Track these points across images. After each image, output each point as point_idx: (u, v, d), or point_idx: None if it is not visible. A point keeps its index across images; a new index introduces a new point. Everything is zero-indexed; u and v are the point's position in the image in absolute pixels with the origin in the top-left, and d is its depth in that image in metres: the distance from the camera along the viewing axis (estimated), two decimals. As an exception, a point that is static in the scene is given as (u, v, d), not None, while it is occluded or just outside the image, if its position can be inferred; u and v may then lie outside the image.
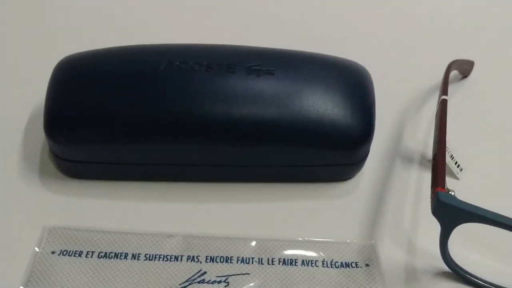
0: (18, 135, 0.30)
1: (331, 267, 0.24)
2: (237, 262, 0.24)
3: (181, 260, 0.24)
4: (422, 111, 0.33)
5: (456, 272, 0.24)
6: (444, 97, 0.28)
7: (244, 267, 0.24)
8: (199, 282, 0.24)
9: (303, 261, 0.25)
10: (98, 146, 0.26)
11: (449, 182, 0.28)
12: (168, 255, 0.25)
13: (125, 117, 0.26)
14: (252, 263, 0.24)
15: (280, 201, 0.28)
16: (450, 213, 0.21)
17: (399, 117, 0.33)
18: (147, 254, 0.25)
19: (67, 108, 0.27)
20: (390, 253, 0.25)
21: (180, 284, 0.23)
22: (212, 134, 0.26)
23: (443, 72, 0.32)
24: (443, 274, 0.24)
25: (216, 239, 0.25)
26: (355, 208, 0.27)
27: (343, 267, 0.24)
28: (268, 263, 0.24)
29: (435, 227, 0.24)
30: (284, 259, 0.25)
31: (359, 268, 0.24)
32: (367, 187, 0.28)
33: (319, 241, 0.25)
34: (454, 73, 0.35)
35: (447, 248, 0.23)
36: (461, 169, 0.29)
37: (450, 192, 0.22)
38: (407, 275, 0.25)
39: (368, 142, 0.27)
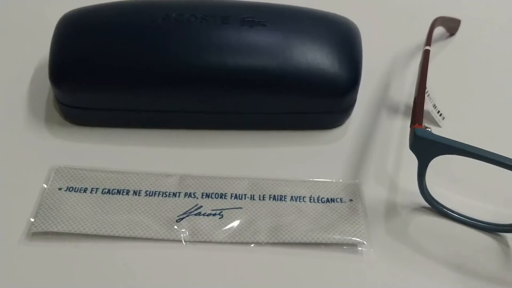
0: (25, 85, 0.32)
1: (318, 202, 0.26)
2: (231, 198, 0.26)
3: (178, 196, 0.26)
4: (408, 66, 0.35)
5: (432, 205, 0.26)
6: (427, 47, 0.29)
7: (237, 202, 0.26)
8: (195, 215, 0.26)
9: (291, 197, 0.27)
10: (99, 93, 0.28)
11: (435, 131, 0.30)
12: (166, 192, 0.27)
13: (126, 66, 0.28)
14: (245, 199, 0.26)
15: (272, 147, 0.29)
16: (426, 146, 0.23)
17: (385, 71, 0.34)
18: (147, 190, 0.27)
19: (71, 57, 0.28)
20: (373, 191, 0.27)
21: (178, 216, 0.25)
22: (208, 82, 0.28)
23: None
24: (421, 209, 0.26)
25: (211, 178, 0.27)
26: (342, 153, 0.29)
27: (329, 202, 0.26)
28: (259, 199, 0.26)
29: (415, 168, 0.26)
30: (274, 195, 0.27)
31: (344, 203, 0.26)
32: (354, 134, 0.30)
33: (307, 181, 0.27)
34: (441, 30, 0.37)
35: (424, 183, 0.25)
36: (443, 118, 0.31)
37: (427, 129, 0.24)
38: (388, 210, 0.26)
39: (355, 91, 0.29)
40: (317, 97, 0.29)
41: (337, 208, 0.26)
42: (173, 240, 0.25)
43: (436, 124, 0.31)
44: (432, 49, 0.31)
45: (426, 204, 0.26)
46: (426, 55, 0.29)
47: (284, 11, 0.30)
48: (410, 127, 0.24)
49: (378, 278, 0.24)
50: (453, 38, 0.37)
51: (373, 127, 0.31)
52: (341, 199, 0.27)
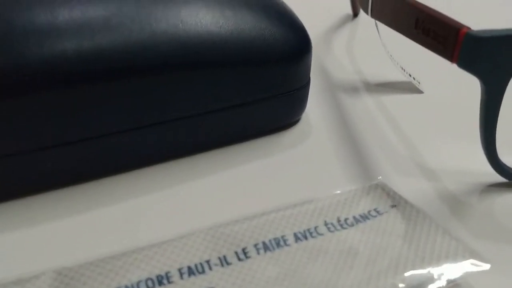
0: None
1: (343, 228, 0.14)
2: (181, 277, 0.12)
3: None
4: (336, 46, 0.26)
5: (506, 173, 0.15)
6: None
7: (197, 282, 0.12)
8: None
9: (294, 234, 0.14)
10: None
11: (420, 98, 0.21)
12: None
13: None
14: (211, 269, 0.13)
15: (214, 174, 0.16)
16: (498, 53, 0.13)
17: (316, 56, 0.25)
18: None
19: None
20: (408, 188, 0.16)
21: None
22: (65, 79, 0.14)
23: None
24: (494, 188, 0.16)
25: (121, 257, 0.13)
26: (325, 153, 0.18)
27: (360, 221, 0.14)
28: (239, 259, 0.13)
29: (442, 145, 0.17)
30: (263, 242, 0.13)
31: (385, 214, 0.14)
32: (324, 125, 0.19)
33: (303, 203, 0.15)
34: (347, 14, 0.30)
35: (495, 138, 0.15)
36: (419, 82, 0.22)
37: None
38: (450, 205, 0.15)
39: (309, 52, 0.18)
40: (268, 67, 0.17)
41: (382, 226, 0.14)
42: None
43: (418, 91, 0.22)
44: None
45: (495, 179, 0.16)
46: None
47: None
48: (447, 41, 0.14)
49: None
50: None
51: (341, 111, 0.20)
52: (376, 210, 0.15)
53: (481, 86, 0.14)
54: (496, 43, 0.13)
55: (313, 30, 0.27)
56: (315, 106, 0.20)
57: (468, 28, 0.14)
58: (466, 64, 0.14)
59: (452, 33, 0.14)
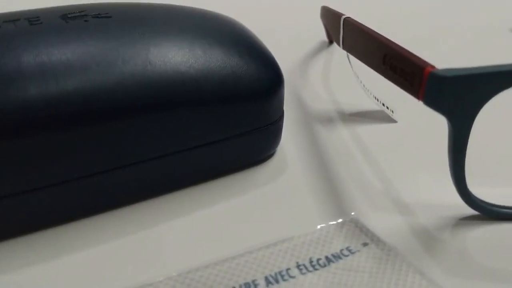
0: None
1: (315, 269, 0.14)
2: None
3: None
4: (311, 74, 0.26)
5: (483, 210, 0.15)
6: (343, 17, 0.21)
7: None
8: None
9: (266, 278, 0.13)
10: None
11: (394, 128, 0.21)
12: None
13: None
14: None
15: (190, 213, 0.16)
16: (467, 89, 0.13)
17: (291, 85, 0.25)
18: None
19: None
20: (381, 224, 0.16)
21: None
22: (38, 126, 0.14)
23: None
24: (466, 222, 0.16)
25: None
26: (299, 188, 0.18)
27: (332, 261, 0.14)
28: (209, 306, 0.13)
29: (416, 177, 0.18)
30: (234, 288, 0.13)
31: (357, 253, 0.14)
32: (298, 158, 0.19)
33: (278, 242, 0.15)
34: (323, 41, 0.30)
35: (464, 172, 0.15)
36: (392, 111, 0.22)
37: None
38: (423, 241, 0.15)
39: (281, 87, 0.18)
40: (239, 103, 0.17)
41: (353, 266, 0.14)
42: None
43: (392, 120, 0.22)
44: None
45: (467, 212, 0.16)
46: (351, 22, 0.20)
47: (129, 7, 0.19)
48: (413, 81, 0.14)
49: None
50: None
51: (316, 144, 0.20)
52: (348, 249, 0.14)
53: (448, 124, 0.14)
54: (460, 82, 0.13)
55: (288, 59, 0.27)
56: (290, 138, 0.20)
57: (433, 66, 0.14)
58: (432, 102, 0.14)
59: (417, 71, 0.14)
